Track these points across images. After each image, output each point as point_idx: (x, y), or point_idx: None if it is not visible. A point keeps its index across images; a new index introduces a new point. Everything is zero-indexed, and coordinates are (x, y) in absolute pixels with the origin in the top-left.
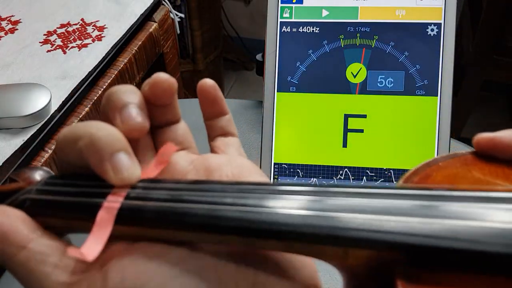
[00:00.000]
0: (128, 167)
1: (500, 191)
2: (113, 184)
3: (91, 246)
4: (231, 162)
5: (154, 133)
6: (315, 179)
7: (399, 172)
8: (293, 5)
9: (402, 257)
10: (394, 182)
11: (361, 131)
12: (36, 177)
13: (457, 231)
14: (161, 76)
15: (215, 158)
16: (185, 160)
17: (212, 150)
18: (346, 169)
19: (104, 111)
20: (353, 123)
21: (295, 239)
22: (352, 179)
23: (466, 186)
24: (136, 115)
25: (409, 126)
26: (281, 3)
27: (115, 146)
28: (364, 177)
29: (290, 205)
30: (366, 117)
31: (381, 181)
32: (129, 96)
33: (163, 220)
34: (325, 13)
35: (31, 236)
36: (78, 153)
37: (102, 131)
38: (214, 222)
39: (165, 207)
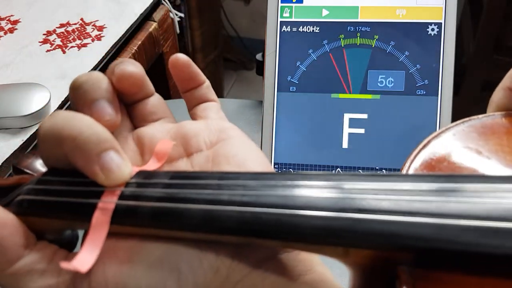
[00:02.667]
0: (118, 166)
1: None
2: (105, 186)
3: (85, 256)
4: (209, 126)
5: (128, 109)
6: None
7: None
8: (293, 5)
9: (407, 257)
10: None
11: (361, 131)
12: (38, 165)
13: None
14: (127, 71)
15: (191, 125)
16: (161, 132)
17: (192, 118)
18: (346, 169)
19: (73, 105)
20: (353, 123)
21: (298, 240)
22: None
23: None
24: (106, 111)
25: (409, 126)
26: (281, 2)
27: (102, 146)
28: None
29: (289, 203)
30: (366, 117)
31: None
32: (97, 89)
33: (159, 221)
34: (325, 12)
35: (22, 253)
36: (63, 156)
37: (86, 132)
38: (211, 223)
39: (161, 207)
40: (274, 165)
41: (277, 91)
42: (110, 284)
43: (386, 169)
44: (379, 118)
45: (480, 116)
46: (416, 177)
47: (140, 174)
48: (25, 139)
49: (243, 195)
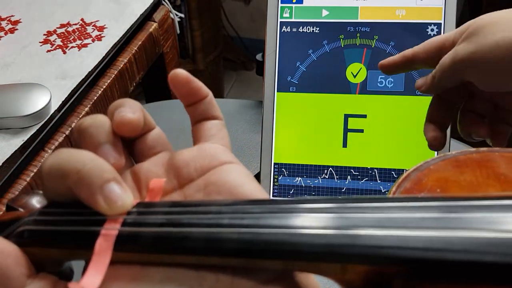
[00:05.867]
0: (120, 196)
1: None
2: (107, 215)
3: (91, 278)
4: (201, 152)
5: (128, 145)
6: (315, 179)
7: (401, 172)
8: (293, 5)
9: (402, 270)
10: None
11: (361, 131)
12: (34, 202)
13: (463, 243)
14: (126, 118)
15: (182, 155)
16: (155, 166)
17: (193, 137)
18: (346, 169)
19: (77, 146)
20: (353, 123)
21: (298, 259)
22: (353, 179)
23: (462, 194)
24: (110, 155)
25: (409, 126)
26: (281, 3)
27: (104, 177)
28: (365, 178)
29: (289, 224)
30: (366, 117)
31: (383, 181)
32: (101, 133)
33: (161, 245)
34: (325, 13)
35: (25, 282)
36: (67, 189)
37: (89, 165)
38: (212, 246)
39: (163, 232)
40: (274, 165)
41: (277, 91)
42: None
43: (385, 170)
44: (379, 118)
45: (453, 152)
46: (405, 199)
47: (141, 204)
48: (25, 139)
49: (242, 218)
